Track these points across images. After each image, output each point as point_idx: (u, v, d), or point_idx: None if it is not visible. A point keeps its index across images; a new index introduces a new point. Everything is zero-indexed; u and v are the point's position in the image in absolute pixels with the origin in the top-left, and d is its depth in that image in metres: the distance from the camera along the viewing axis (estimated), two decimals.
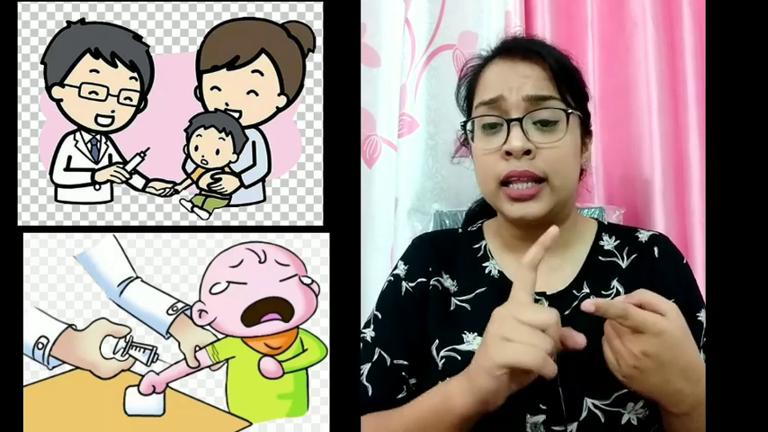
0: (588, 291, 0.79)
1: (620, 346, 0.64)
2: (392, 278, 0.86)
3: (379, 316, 0.83)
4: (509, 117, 0.77)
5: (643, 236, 0.84)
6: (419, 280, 0.84)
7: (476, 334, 0.77)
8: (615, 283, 0.80)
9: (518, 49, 0.80)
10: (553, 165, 0.76)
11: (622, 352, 0.64)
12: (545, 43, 0.84)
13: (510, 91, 0.77)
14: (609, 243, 0.84)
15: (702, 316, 0.77)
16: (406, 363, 0.79)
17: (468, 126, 0.82)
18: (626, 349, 0.63)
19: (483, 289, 0.82)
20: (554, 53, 0.80)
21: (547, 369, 0.60)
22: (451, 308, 0.82)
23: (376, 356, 0.80)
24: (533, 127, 0.76)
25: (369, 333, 0.82)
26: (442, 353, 0.77)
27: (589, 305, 0.63)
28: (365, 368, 0.80)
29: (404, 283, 0.84)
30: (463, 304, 0.81)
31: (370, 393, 0.78)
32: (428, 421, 0.69)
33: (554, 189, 0.77)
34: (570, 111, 0.77)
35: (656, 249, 0.82)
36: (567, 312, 0.77)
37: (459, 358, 0.76)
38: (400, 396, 0.79)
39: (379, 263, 1.28)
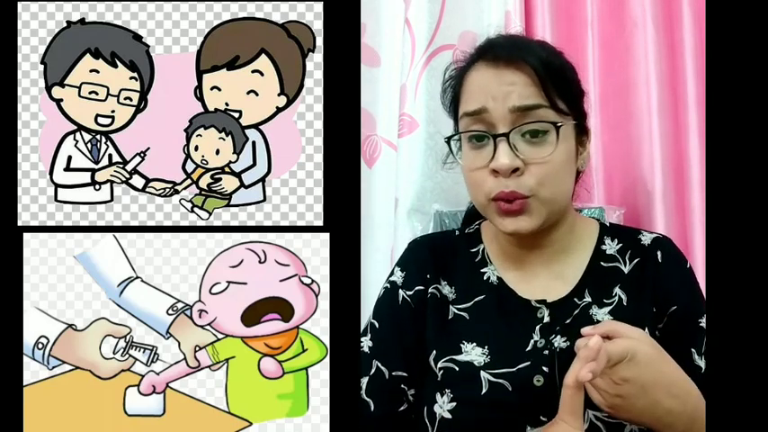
0: (590, 299, 0.78)
1: (598, 379, 0.62)
2: (389, 285, 0.84)
3: (376, 325, 0.82)
4: (495, 132, 0.73)
5: (646, 239, 0.82)
6: (417, 288, 0.82)
7: (474, 344, 0.76)
8: (617, 290, 0.78)
9: (501, 53, 0.75)
10: (542, 180, 0.73)
11: (601, 384, 0.62)
12: (530, 43, 0.79)
13: (495, 101, 0.73)
14: (611, 247, 0.82)
15: (705, 322, 0.76)
16: (405, 374, 0.78)
17: (455, 138, 0.79)
18: (604, 380, 0.62)
19: (482, 297, 0.80)
20: (539, 54, 0.75)
21: None
22: (450, 316, 0.80)
23: (374, 369, 0.78)
24: (521, 139, 0.73)
25: (366, 343, 0.81)
26: (440, 363, 0.77)
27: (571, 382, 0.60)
28: (364, 381, 0.78)
29: (401, 292, 0.82)
30: (462, 313, 0.80)
31: (372, 409, 0.77)
32: None
33: (544, 202, 0.74)
34: (560, 123, 0.73)
35: (659, 253, 0.80)
36: (568, 321, 0.76)
37: (458, 369, 0.75)
38: (401, 409, 0.78)
39: (379, 263, 1.28)
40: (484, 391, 0.73)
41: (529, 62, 0.73)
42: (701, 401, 0.65)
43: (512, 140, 0.72)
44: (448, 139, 0.80)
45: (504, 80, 0.74)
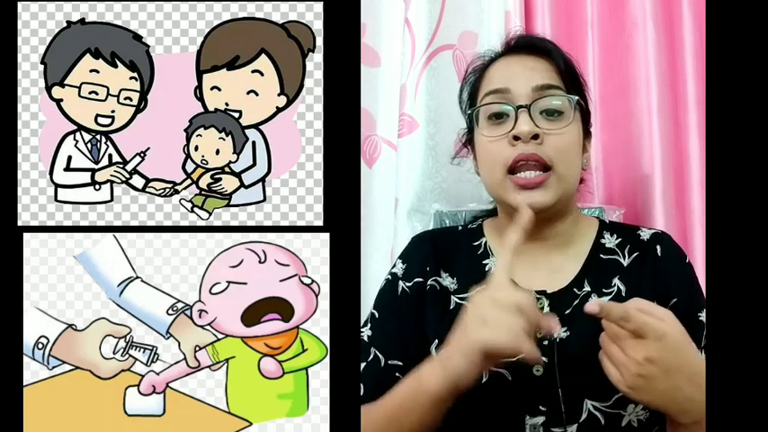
0: (589, 289, 0.79)
1: (622, 356, 0.61)
2: (390, 276, 0.86)
3: (376, 315, 0.84)
4: (516, 104, 0.78)
5: (645, 234, 0.84)
6: (416, 280, 0.83)
7: None
8: (616, 281, 0.80)
9: (524, 44, 0.84)
10: (560, 152, 0.77)
11: (624, 361, 0.61)
12: (552, 42, 0.85)
13: (517, 82, 0.79)
14: (610, 241, 0.84)
15: (704, 316, 0.77)
16: (400, 363, 0.79)
17: (474, 116, 0.82)
18: (628, 358, 0.61)
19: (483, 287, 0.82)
20: (558, 50, 0.82)
21: (523, 349, 0.59)
22: (451, 306, 0.81)
23: (371, 356, 0.80)
24: (540, 116, 0.78)
25: (366, 332, 0.82)
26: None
27: (593, 306, 0.62)
28: (361, 368, 0.80)
29: (401, 283, 0.84)
30: (463, 302, 0.81)
31: (362, 393, 0.77)
32: (404, 404, 0.68)
33: (560, 178, 0.77)
34: (577, 98, 0.79)
35: (658, 248, 0.82)
36: (567, 311, 0.77)
37: None
38: None
39: (379, 263, 1.27)
40: (484, 380, 0.73)
41: (550, 52, 0.81)
42: None
43: (532, 113, 0.77)
44: (470, 115, 0.84)
45: (526, 65, 0.81)
